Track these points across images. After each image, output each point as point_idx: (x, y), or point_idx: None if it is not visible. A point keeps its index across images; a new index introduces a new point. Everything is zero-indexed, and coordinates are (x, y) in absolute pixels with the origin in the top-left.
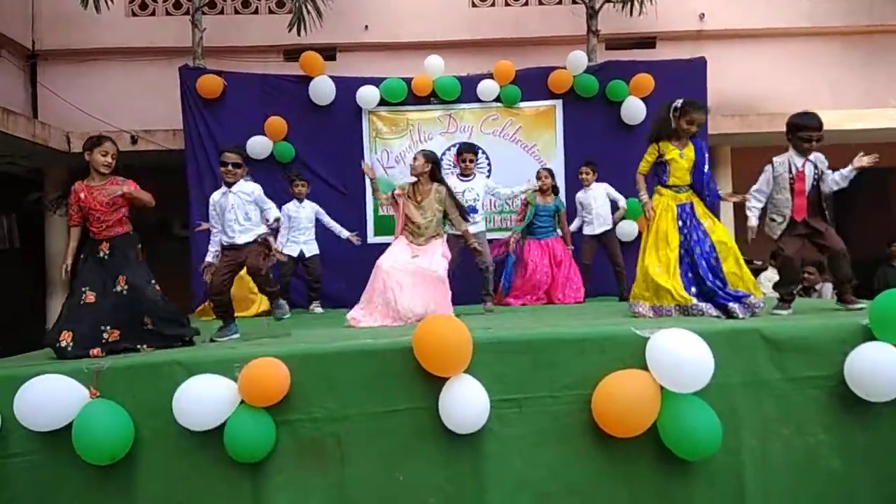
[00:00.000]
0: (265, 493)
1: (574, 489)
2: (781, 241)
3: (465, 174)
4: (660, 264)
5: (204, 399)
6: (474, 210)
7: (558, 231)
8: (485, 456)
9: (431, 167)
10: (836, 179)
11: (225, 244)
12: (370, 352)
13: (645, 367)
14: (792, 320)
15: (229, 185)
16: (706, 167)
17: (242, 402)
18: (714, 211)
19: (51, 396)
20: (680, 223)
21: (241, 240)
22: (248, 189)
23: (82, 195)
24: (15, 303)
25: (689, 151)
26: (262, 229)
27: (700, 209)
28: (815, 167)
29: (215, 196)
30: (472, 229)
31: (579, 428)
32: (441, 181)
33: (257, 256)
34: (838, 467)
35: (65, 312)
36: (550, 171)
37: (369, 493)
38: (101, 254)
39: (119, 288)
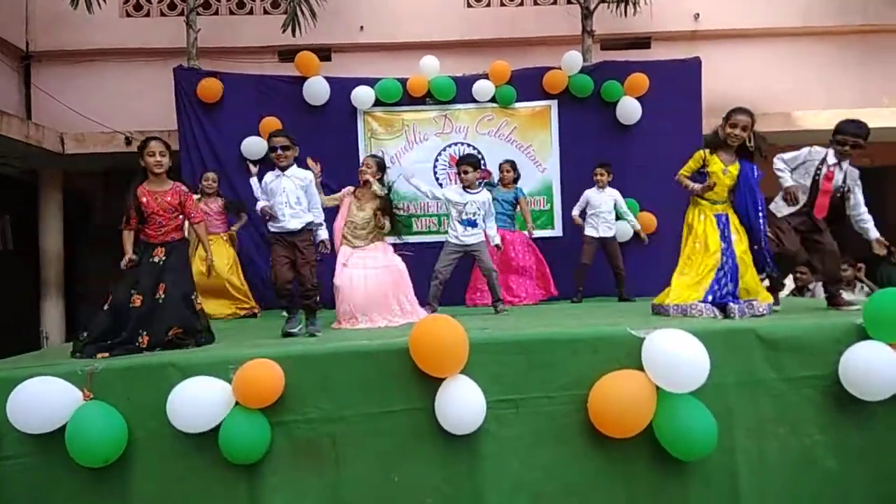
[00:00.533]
0: (261, 495)
1: (571, 489)
2: (783, 232)
3: (466, 187)
4: (695, 273)
5: (198, 401)
6: (473, 224)
7: (515, 225)
8: (481, 457)
9: (381, 175)
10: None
11: (275, 229)
12: (365, 353)
13: (640, 368)
14: (787, 320)
15: (283, 168)
16: (756, 190)
17: (237, 403)
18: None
19: (44, 398)
20: (720, 229)
21: (292, 224)
22: (301, 175)
23: (144, 199)
24: (9, 304)
25: (734, 169)
26: (310, 217)
27: (734, 221)
28: (846, 178)
29: (268, 177)
30: (469, 240)
31: (576, 428)
32: (384, 185)
33: (311, 265)
34: (834, 467)
35: (110, 315)
36: (513, 164)
37: (365, 494)
38: (157, 258)
39: (158, 295)
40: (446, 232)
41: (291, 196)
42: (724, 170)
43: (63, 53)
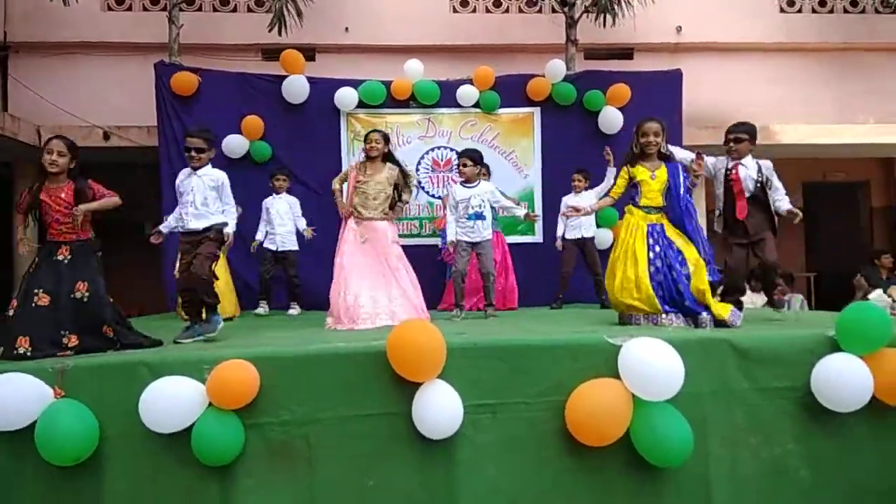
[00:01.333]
0: (234, 496)
1: (547, 496)
2: (729, 250)
3: (466, 181)
4: (627, 281)
5: (171, 401)
6: (481, 217)
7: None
8: (458, 462)
9: (388, 149)
10: (777, 200)
11: (181, 230)
12: (342, 355)
13: (617, 376)
14: (761, 331)
15: (195, 168)
16: (682, 190)
17: (211, 404)
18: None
19: (13, 396)
20: (650, 241)
21: (194, 224)
22: (214, 175)
23: (43, 196)
24: None
25: (662, 173)
26: (220, 219)
27: (670, 230)
28: (760, 171)
29: (181, 175)
30: (477, 238)
31: (553, 434)
32: (395, 162)
33: (206, 256)
34: (807, 477)
35: (17, 317)
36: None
37: (340, 498)
38: (61, 257)
39: (80, 294)
40: (429, 235)
41: (198, 196)
42: (651, 175)
43: (42, 45)
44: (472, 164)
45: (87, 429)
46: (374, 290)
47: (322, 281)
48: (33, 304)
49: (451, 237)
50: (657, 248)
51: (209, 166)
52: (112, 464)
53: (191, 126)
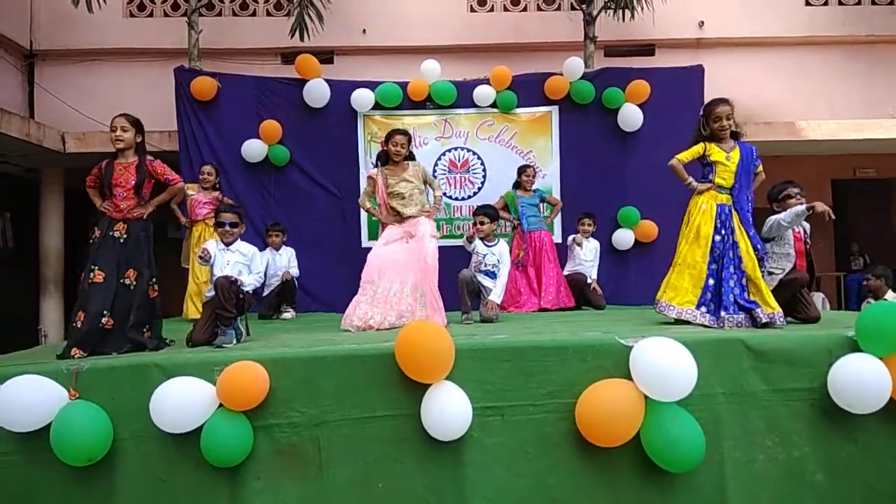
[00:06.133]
0: (243, 498)
1: (556, 499)
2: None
3: (485, 238)
4: (688, 271)
5: (181, 402)
6: (491, 275)
7: (544, 225)
8: (466, 464)
9: (410, 147)
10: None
11: (206, 297)
12: (351, 357)
13: (628, 377)
14: (776, 331)
15: (227, 244)
16: (754, 174)
17: (221, 405)
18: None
19: (30, 397)
20: (718, 223)
21: None
22: (245, 250)
23: (114, 175)
24: (8, 302)
25: (736, 154)
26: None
27: (736, 219)
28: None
29: (211, 246)
30: (486, 283)
31: (562, 437)
32: (414, 158)
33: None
34: (822, 480)
35: (80, 291)
36: (532, 168)
37: (348, 499)
38: (117, 234)
39: (128, 282)
40: (445, 236)
41: (234, 270)
42: (727, 156)
43: (66, 53)
44: (490, 221)
45: (100, 429)
46: (402, 285)
47: (324, 283)
48: (90, 281)
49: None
50: (723, 232)
51: (239, 241)
52: (125, 464)
53: (209, 129)
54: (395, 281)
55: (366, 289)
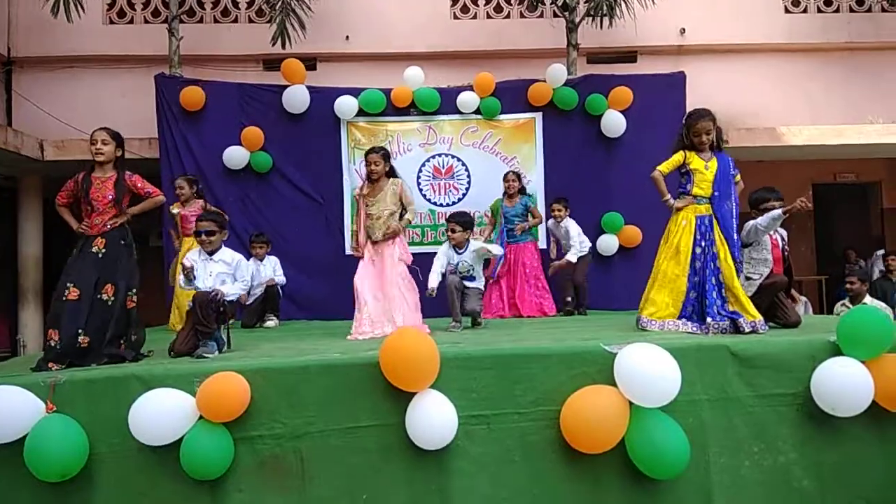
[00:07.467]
0: None
1: None
2: None
3: (455, 245)
4: (668, 286)
5: (161, 414)
6: (472, 279)
7: (529, 236)
8: (452, 473)
9: (388, 165)
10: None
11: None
12: (334, 366)
13: (613, 384)
14: (759, 336)
15: (209, 253)
16: (733, 186)
17: (201, 417)
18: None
19: (6, 409)
20: (698, 235)
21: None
22: (228, 258)
23: (91, 189)
24: None
25: (714, 164)
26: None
27: (717, 229)
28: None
29: (192, 255)
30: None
31: (547, 444)
32: (396, 175)
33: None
34: (809, 486)
35: (52, 308)
36: (518, 174)
37: None
38: (95, 249)
39: (105, 297)
40: (431, 243)
41: (217, 280)
42: (705, 165)
43: (45, 60)
44: (462, 229)
45: (75, 445)
46: (377, 302)
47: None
48: (64, 298)
49: (431, 284)
50: (703, 244)
51: (222, 248)
52: (103, 477)
53: (191, 136)
54: (378, 297)
55: (360, 307)
